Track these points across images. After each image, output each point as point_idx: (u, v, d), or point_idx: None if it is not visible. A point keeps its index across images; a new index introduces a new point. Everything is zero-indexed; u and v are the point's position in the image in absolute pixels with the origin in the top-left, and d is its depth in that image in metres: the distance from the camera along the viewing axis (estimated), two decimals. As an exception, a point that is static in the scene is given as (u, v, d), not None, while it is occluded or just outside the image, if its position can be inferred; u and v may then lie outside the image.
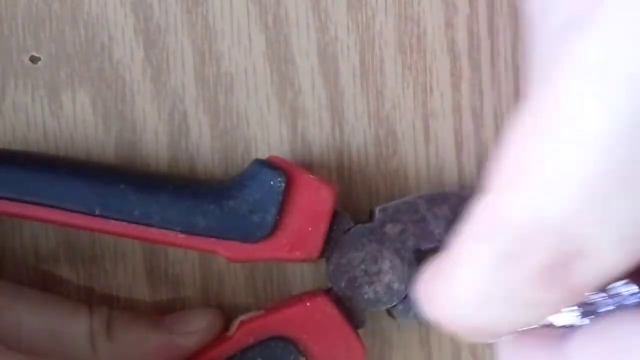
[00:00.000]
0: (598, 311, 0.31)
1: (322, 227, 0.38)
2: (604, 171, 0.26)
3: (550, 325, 0.32)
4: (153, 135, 0.42)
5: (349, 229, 0.39)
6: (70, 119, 0.41)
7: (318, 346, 0.39)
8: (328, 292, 0.40)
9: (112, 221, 0.38)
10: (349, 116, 0.42)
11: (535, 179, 0.27)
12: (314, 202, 0.38)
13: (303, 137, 0.42)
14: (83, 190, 0.37)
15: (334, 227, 0.39)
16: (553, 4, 0.30)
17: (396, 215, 0.39)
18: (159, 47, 0.41)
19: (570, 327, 0.31)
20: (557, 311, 0.30)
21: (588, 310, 0.31)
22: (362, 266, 0.39)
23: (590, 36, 0.27)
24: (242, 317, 0.40)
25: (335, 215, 0.39)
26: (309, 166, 0.42)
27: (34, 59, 0.41)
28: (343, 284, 0.39)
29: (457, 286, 0.30)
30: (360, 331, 0.39)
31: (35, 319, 0.39)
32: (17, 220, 0.41)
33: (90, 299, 0.42)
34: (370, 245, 0.39)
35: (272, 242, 0.38)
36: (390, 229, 0.39)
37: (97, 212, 0.37)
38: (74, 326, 0.40)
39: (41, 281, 0.42)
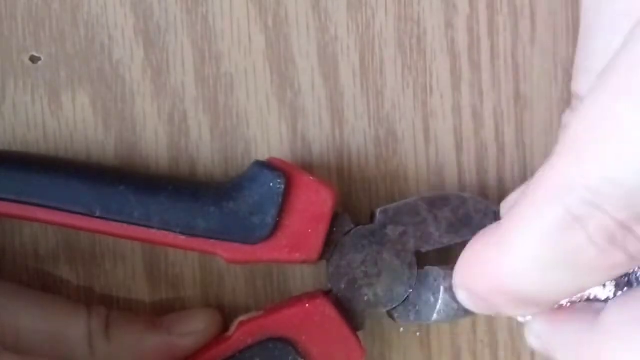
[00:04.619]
0: (631, 283, 0.31)
1: (322, 228, 0.38)
2: None
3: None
4: (153, 135, 0.42)
5: (350, 231, 0.39)
6: (70, 119, 0.41)
7: (317, 348, 0.39)
8: (328, 293, 0.40)
9: (112, 222, 0.38)
10: (349, 116, 0.42)
11: (610, 142, 0.28)
12: (313, 204, 0.38)
13: (303, 137, 0.42)
14: (83, 191, 0.37)
15: (334, 229, 0.39)
16: None
17: (397, 217, 0.39)
18: (159, 47, 0.41)
19: (603, 301, 0.31)
20: (613, 277, 0.30)
21: (621, 282, 0.31)
22: (363, 268, 0.39)
23: None
24: (241, 318, 0.40)
25: (335, 217, 0.39)
26: (308, 166, 0.42)
27: (34, 59, 0.41)
28: (343, 286, 0.39)
29: (513, 253, 0.30)
30: (360, 333, 0.39)
31: (34, 319, 0.39)
32: (17, 220, 0.41)
33: (89, 299, 0.42)
34: (371, 247, 0.39)
35: (272, 243, 0.38)
36: (391, 230, 0.39)
37: (97, 214, 0.37)
38: (72, 327, 0.40)
39: (41, 281, 0.42)
